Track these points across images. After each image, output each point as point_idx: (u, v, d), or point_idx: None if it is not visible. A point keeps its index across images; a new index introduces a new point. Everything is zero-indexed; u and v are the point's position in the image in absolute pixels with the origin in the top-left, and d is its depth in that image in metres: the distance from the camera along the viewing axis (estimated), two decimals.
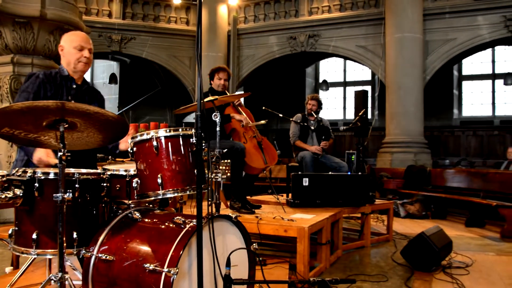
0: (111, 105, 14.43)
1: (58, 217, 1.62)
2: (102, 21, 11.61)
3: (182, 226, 1.70)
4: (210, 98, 2.67)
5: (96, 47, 8.38)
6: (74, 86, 2.79)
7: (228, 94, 4.36)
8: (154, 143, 1.91)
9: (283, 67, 12.90)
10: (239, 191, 4.17)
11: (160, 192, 1.89)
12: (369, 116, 10.65)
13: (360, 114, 5.96)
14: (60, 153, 1.67)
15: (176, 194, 1.89)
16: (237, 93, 4.47)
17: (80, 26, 6.03)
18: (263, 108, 5.73)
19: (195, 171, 1.92)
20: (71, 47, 2.74)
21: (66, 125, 1.72)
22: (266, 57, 11.76)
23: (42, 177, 1.79)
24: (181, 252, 1.55)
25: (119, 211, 1.97)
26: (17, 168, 1.89)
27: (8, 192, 1.75)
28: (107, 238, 1.83)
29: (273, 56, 11.69)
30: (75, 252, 1.85)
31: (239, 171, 4.02)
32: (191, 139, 1.96)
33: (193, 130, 1.96)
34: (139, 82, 14.65)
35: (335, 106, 14.78)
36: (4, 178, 1.86)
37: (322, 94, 14.82)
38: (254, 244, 1.91)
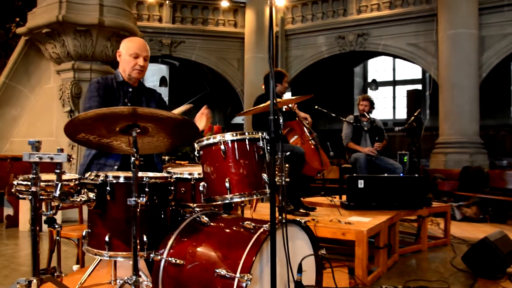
0: None
1: (132, 221, 1.68)
2: (153, 26, 11.95)
3: (253, 231, 1.72)
4: (280, 100, 2.68)
5: None
6: (130, 89, 2.85)
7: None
8: (222, 147, 1.94)
9: (331, 67, 12.77)
10: (294, 194, 4.18)
11: (228, 196, 1.91)
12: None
13: (415, 114, 5.82)
14: (133, 158, 1.72)
15: (243, 199, 1.92)
16: (291, 97, 4.46)
17: (135, 32, 6.24)
18: (316, 107, 5.71)
19: (262, 175, 1.95)
20: (127, 54, 2.78)
21: (139, 130, 1.78)
22: (314, 58, 11.69)
23: (114, 181, 1.85)
24: (253, 258, 1.57)
25: (186, 215, 2.01)
26: (89, 172, 1.97)
27: (83, 196, 1.84)
28: (176, 241, 1.86)
29: (322, 56, 11.61)
30: (145, 255, 1.89)
31: (296, 174, 4.03)
32: (258, 143, 1.98)
33: (259, 134, 1.99)
34: (188, 85, 14.95)
35: (384, 106, 14.49)
36: (76, 182, 1.96)
37: (371, 94, 14.57)
38: (322, 250, 1.92)
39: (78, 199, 1.76)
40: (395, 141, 12.41)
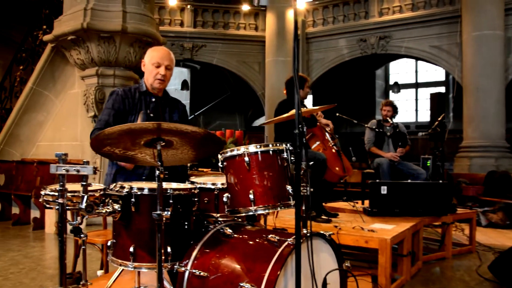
0: None
1: (156, 234, 1.69)
2: (174, 30, 12.07)
3: (277, 244, 1.71)
4: (305, 110, 2.67)
5: None
6: (153, 99, 2.85)
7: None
8: (246, 158, 1.94)
9: (353, 70, 12.68)
10: (316, 200, 4.16)
11: (252, 208, 1.91)
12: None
13: (439, 119, 5.72)
14: (157, 172, 1.73)
15: (267, 211, 1.91)
16: (312, 101, 4.43)
17: (157, 37, 6.31)
18: (337, 114, 5.69)
19: (286, 187, 1.95)
20: (150, 63, 2.79)
21: (163, 143, 1.80)
22: (336, 61, 11.62)
23: (138, 193, 1.86)
24: (278, 273, 1.56)
25: (210, 226, 2.01)
26: (114, 184, 1.99)
27: (108, 207, 1.86)
28: (200, 253, 1.86)
29: (343, 59, 11.53)
30: (169, 266, 1.89)
31: (318, 181, 4.01)
32: (282, 154, 1.98)
33: (284, 145, 1.98)
34: (209, 88, 15.05)
35: (406, 109, 14.30)
36: (102, 192, 1.98)
37: (393, 97, 14.41)
38: (346, 262, 1.90)
39: (104, 211, 1.78)
40: (417, 145, 12.23)
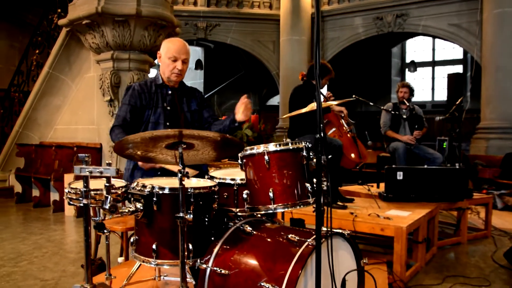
0: None
1: (179, 236, 1.72)
2: (188, 10, 11.96)
3: (297, 244, 1.73)
4: (328, 103, 2.65)
5: (183, 35, 8.64)
6: (170, 92, 2.87)
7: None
8: (266, 157, 1.95)
9: (368, 48, 12.47)
10: (332, 186, 4.17)
11: (272, 206, 1.93)
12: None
13: (457, 103, 5.65)
14: (179, 175, 1.75)
15: (286, 209, 1.94)
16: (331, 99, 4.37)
17: (171, 20, 6.28)
18: (353, 96, 5.64)
19: (306, 184, 1.96)
20: (166, 57, 2.78)
21: (185, 146, 1.82)
22: (351, 39, 11.43)
23: (160, 192, 1.89)
24: (299, 272, 1.60)
25: (230, 224, 2.04)
26: (136, 182, 2.02)
27: (130, 206, 1.91)
28: (220, 251, 1.89)
29: (358, 38, 11.34)
30: (191, 263, 1.93)
31: (334, 167, 4.02)
32: (301, 152, 1.99)
33: (303, 144, 1.99)
34: (223, 67, 14.98)
35: (422, 87, 14.09)
36: (123, 189, 2.02)
37: (409, 75, 14.20)
38: (364, 260, 1.93)
39: (126, 210, 1.83)
40: (434, 125, 12.07)
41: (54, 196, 6.46)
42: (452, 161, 7.43)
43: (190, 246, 1.87)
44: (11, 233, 4.94)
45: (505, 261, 3.86)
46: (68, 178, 6.03)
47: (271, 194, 1.92)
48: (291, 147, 1.97)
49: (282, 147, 1.96)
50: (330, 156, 2.03)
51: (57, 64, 6.86)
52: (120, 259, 3.31)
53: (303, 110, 2.50)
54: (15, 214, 6.13)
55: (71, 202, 1.95)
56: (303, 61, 11.39)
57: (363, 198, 4.85)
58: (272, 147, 1.96)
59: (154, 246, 1.88)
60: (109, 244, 2.16)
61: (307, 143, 1.99)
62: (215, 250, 1.88)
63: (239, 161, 2.08)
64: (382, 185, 5.14)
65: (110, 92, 6.03)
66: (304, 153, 1.98)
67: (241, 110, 2.74)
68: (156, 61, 6.12)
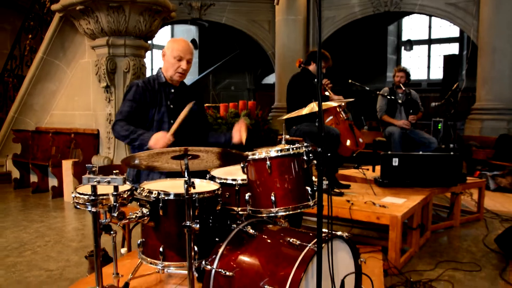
0: (192, 70, 14.86)
1: (186, 243, 1.78)
2: None
3: (299, 247, 1.80)
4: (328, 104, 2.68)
5: (177, 15, 8.45)
6: (172, 90, 2.93)
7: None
8: (267, 163, 2.00)
9: (364, 27, 12.39)
10: (329, 172, 4.24)
11: (273, 210, 2.00)
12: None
13: (453, 88, 5.69)
14: (185, 185, 1.79)
15: (287, 213, 2.00)
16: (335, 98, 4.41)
17: (167, 5, 6.20)
18: (349, 81, 5.69)
19: (306, 188, 2.03)
20: (171, 56, 2.82)
21: (190, 157, 1.88)
22: (347, 18, 11.34)
23: (165, 198, 1.94)
24: (301, 276, 1.67)
25: (233, 225, 2.10)
26: (142, 187, 2.06)
27: (137, 212, 1.96)
28: (225, 253, 1.96)
29: (355, 17, 11.25)
30: (196, 264, 1.99)
31: (331, 155, 4.09)
32: (302, 157, 2.04)
33: (304, 148, 2.04)
34: (218, 46, 14.86)
35: (418, 66, 14.08)
36: (129, 193, 2.07)
37: (405, 54, 14.17)
38: (362, 259, 2.01)
39: (134, 216, 1.88)
40: (429, 103, 12.13)
41: (52, 181, 6.51)
42: (447, 143, 7.53)
43: (196, 248, 1.93)
44: (12, 221, 5.00)
45: (496, 245, 3.97)
46: (66, 164, 6.08)
47: (273, 198, 1.98)
48: (292, 152, 2.02)
49: (283, 153, 2.01)
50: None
51: (51, 50, 6.80)
52: (123, 250, 3.39)
53: (303, 112, 2.54)
54: (14, 201, 6.18)
55: (78, 206, 2.00)
56: (299, 40, 11.34)
57: (359, 184, 4.93)
58: (273, 152, 2.01)
59: (161, 249, 1.95)
60: (116, 244, 2.23)
61: (308, 147, 2.05)
62: (219, 252, 1.95)
63: (241, 164, 2.13)
64: (377, 168, 5.22)
65: (106, 79, 6.01)
66: (305, 157, 2.03)
67: (240, 133, 2.75)
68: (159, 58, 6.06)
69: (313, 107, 2.52)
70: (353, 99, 2.75)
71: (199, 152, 1.81)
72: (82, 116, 6.61)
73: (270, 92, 13.02)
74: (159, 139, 2.50)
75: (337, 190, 4.27)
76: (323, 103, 2.56)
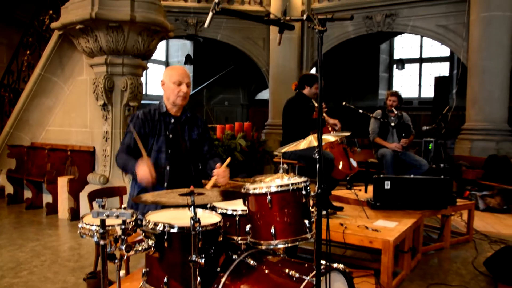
0: None
1: (192, 277, 1.86)
2: (178, 6, 11.94)
3: (297, 280, 1.88)
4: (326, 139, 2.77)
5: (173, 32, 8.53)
6: (172, 120, 3.03)
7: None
8: (268, 197, 2.09)
9: (357, 45, 12.61)
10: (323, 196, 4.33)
11: (273, 242, 2.08)
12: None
13: (443, 112, 5.86)
14: (192, 221, 1.87)
15: (286, 245, 2.08)
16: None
17: (165, 26, 6.31)
18: (343, 103, 5.84)
19: (304, 221, 2.12)
20: (170, 82, 2.95)
21: (196, 194, 1.97)
22: (341, 38, 11.54)
23: (171, 231, 2.01)
24: None
25: (234, 256, 2.17)
26: (148, 219, 2.12)
27: (143, 244, 2.03)
28: (227, 283, 2.02)
29: (348, 37, 11.45)
30: None
31: (325, 179, 4.17)
32: (301, 191, 2.14)
33: (302, 184, 2.14)
34: (212, 61, 14.99)
35: (410, 84, 14.32)
36: (133, 223, 2.15)
37: (396, 72, 14.41)
38: None
39: (140, 248, 1.96)
40: (420, 121, 12.34)
41: (47, 198, 6.52)
42: (437, 162, 7.67)
43: (199, 278, 2.00)
44: (7, 239, 5.00)
45: (484, 268, 4.08)
46: (61, 181, 6.12)
47: (273, 231, 2.07)
48: (291, 188, 2.11)
49: (283, 188, 2.11)
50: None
51: (49, 66, 6.86)
52: (122, 273, 3.42)
53: (301, 146, 2.64)
54: (8, 217, 6.18)
55: (84, 236, 2.06)
56: (293, 58, 11.52)
57: (352, 206, 5.02)
58: (274, 188, 2.10)
59: (165, 279, 2.01)
60: (119, 271, 2.28)
61: (306, 182, 2.14)
62: (222, 282, 2.02)
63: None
64: (370, 188, 5.32)
65: (103, 97, 6.06)
66: (303, 192, 2.13)
67: (224, 179, 2.84)
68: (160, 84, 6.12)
69: (311, 140, 2.62)
70: (349, 133, 2.85)
71: (204, 191, 1.90)
72: (78, 133, 6.66)
73: (264, 108, 13.16)
74: (142, 177, 2.59)
75: (331, 211, 4.36)
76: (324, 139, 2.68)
